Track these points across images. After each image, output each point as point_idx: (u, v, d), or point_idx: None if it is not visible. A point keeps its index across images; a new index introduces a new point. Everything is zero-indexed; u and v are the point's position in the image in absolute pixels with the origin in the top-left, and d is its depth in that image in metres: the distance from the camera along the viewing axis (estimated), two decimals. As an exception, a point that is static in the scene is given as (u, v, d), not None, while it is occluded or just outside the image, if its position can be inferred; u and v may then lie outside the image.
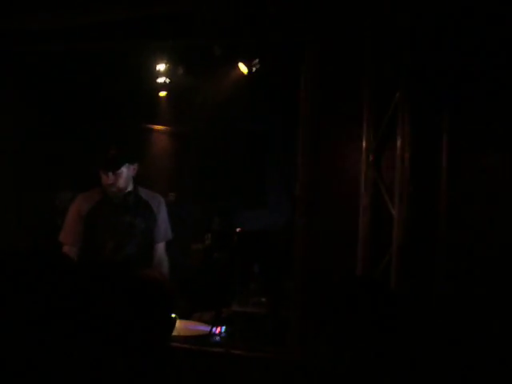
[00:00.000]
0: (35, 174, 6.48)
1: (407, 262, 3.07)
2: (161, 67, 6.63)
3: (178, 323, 3.52)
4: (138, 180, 4.21)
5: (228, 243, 6.04)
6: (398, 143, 3.08)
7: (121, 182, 4.01)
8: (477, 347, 2.99)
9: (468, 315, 3.05)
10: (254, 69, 5.91)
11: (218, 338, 3.56)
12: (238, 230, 6.03)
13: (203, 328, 3.62)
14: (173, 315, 2.42)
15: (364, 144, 3.25)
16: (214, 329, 3.56)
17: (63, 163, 6.63)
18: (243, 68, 5.94)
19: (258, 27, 3.55)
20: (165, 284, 2.42)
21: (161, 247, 4.21)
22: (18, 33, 3.85)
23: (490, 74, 3.08)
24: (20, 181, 6.51)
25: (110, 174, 3.97)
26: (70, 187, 5.91)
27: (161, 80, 6.86)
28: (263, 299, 4.89)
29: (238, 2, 3.45)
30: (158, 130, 8.01)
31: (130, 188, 4.11)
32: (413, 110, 3.09)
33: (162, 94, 7.30)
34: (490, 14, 3.04)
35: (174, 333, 3.35)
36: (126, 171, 4.03)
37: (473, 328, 3.04)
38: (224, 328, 3.66)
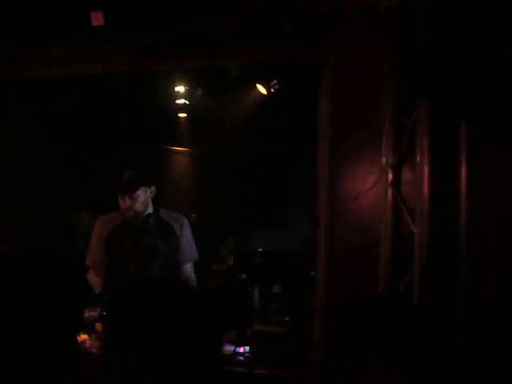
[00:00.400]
0: (56, 195, 6.58)
1: (429, 278, 3.06)
2: (180, 89, 6.70)
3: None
4: (159, 201, 4.22)
5: (251, 264, 6.05)
6: (418, 160, 3.08)
7: (138, 206, 4.00)
8: (504, 362, 2.96)
9: (493, 331, 3.03)
10: (272, 89, 5.95)
11: (241, 357, 3.57)
12: (260, 250, 6.04)
13: (227, 348, 3.63)
14: None
15: (384, 162, 3.26)
16: (237, 349, 3.57)
17: (82, 184, 6.71)
18: (262, 89, 5.98)
19: (272, 47, 3.59)
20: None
21: (187, 268, 4.14)
22: (39, 59, 3.92)
23: (508, 86, 3.08)
24: (41, 202, 6.61)
25: (127, 197, 3.98)
26: (88, 208, 5.97)
27: (180, 102, 6.93)
28: (286, 318, 4.89)
29: (254, 23, 3.49)
30: (177, 152, 8.08)
31: (149, 210, 4.09)
32: (431, 126, 3.09)
33: (182, 115, 7.37)
34: (504, 27, 3.05)
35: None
36: (143, 194, 4.02)
37: (499, 343, 3.01)
38: (248, 348, 3.66)
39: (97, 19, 3.29)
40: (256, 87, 6.04)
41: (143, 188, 3.98)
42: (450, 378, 2.73)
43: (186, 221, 4.18)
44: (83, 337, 3.49)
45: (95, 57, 3.80)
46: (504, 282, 3.05)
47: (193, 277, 4.17)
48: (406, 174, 3.26)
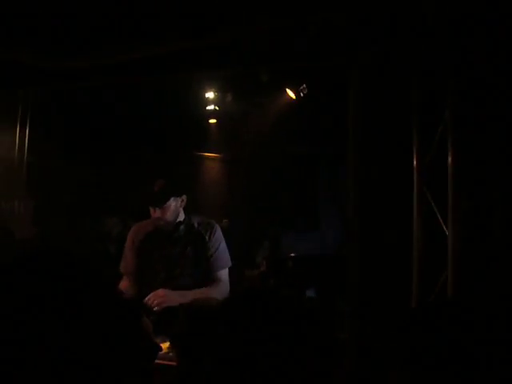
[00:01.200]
0: (87, 202, 6.65)
1: (464, 281, 3.01)
2: (210, 95, 6.73)
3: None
4: (191, 208, 4.22)
5: (283, 269, 6.03)
6: (449, 161, 3.04)
7: (168, 216, 3.99)
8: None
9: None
10: (301, 94, 5.95)
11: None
12: (292, 254, 6.02)
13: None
14: None
15: (415, 164, 3.23)
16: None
17: (113, 191, 6.77)
18: (291, 93, 5.98)
19: (299, 51, 3.58)
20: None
21: (221, 275, 4.05)
22: (69, 70, 3.97)
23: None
24: (73, 209, 6.69)
25: (167, 208, 4.00)
26: (118, 214, 6.02)
27: (210, 108, 6.96)
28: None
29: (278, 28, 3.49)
30: (209, 158, 8.12)
31: (180, 218, 4.11)
32: (463, 127, 3.05)
33: (212, 121, 7.40)
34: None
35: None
36: (174, 204, 4.00)
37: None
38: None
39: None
40: (285, 92, 6.05)
41: (174, 198, 3.99)
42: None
43: (216, 227, 4.14)
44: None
45: (122, 65, 3.83)
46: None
47: (226, 285, 4.11)
48: (438, 176, 3.21)
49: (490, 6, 3.03)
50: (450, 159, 3.06)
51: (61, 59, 3.79)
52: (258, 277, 6.48)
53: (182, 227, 4.07)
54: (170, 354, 3.37)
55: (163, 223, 4.00)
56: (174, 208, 4.00)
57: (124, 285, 4.15)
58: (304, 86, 5.83)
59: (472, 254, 3.03)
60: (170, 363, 3.28)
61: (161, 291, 3.77)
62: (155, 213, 3.97)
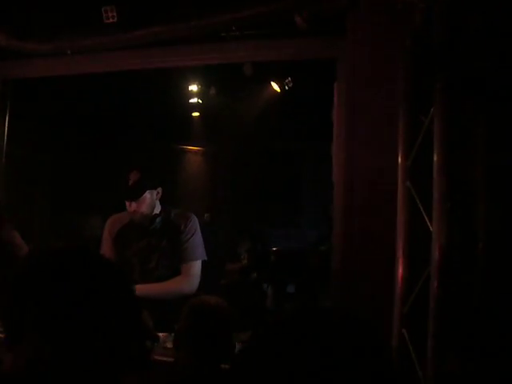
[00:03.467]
0: (68, 199, 6.58)
1: (446, 280, 2.99)
2: (193, 88, 6.69)
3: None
4: (171, 201, 4.17)
5: (265, 263, 6.01)
6: (435, 158, 3.02)
7: (144, 209, 3.94)
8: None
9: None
10: (286, 87, 5.92)
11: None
12: (274, 249, 6.00)
13: (240, 348, 3.58)
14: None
15: (400, 161, 3.21)
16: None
17: (94, 188, 6.69)
18: (275, 86, 5.95)
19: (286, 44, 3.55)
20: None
21: (192, 267, 3.98)
22: (51, 57, 3.90)
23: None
24: (55, 206, 6.62)
25: (142, 201, 3.91)
26: (100, 212, 5.95)
27: (193, 100, 6.92)
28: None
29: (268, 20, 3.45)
30: (191, 151, 8.07)
31: (156, 211, 4.05)
32: (448, 124, 3.03)
33: (195, 114, 7.36)
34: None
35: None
36: (150, 196, 3.95)
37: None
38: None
39: (109, 16, 3.25)
40: (270, 85, 6.02)
41: (149, 191, 3.94)
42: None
43: (193, 219, 4.07)
44: None
45: (106, 54, 3.78)
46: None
47: (195, 278, 4.02)
48: (423, 173, 3.20)
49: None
50: (435, 155, 3.04)
51: (44, 44, 3.73)
52: (240, 270, 6.46)
53: (158, 219, 4.03)
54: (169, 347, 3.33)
55: (139, 216, 3.95)
56: (150, 201, 3.96)
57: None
58: (289, 79, 5.80)
59: (456, 250, 3.02)
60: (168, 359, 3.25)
61: None
62: (131, 206, 3.92)
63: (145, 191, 3.91)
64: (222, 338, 2.56)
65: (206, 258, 4.08)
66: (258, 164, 7.93)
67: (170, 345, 3.25)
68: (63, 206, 6.67)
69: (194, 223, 4.07)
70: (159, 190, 4.02)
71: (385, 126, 3.38)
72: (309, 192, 8.11)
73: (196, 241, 4.04)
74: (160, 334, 3.44)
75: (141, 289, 3.81)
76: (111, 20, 3.26)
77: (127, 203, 3.94)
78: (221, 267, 6.60)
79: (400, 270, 3.13)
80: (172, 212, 4.09)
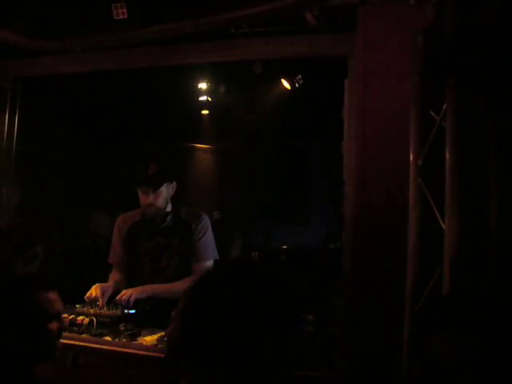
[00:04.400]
0: (77, 196, 6.58)
1: (459, 277, 2.97)
2: (202, 86, 6.67)
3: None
4: (181, 199, 4.16)
5: (275, 261, 5.98)
6: (447, 155, 2.99)
7: (160, 202, 3.92)
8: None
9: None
10: (297, 84, 5.90)
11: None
12: (284, 247, 5.97)
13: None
14: None
15: (411, 157, 3.18)
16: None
17: (103, 186, 6.70)
18: (286, 84, 5.93)
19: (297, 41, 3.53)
20: None
21: (202, 267, 3.93)
22: (61, 55, 3.90)
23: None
24: (63, 201, 6.62)
25: (150, 193, 3.92)
26: (109, 210, 5.94)
27: (203, 98, 6.89)
28: (310, 317, 4.82)
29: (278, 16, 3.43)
30: (200, 149, 8.06)
31: (168, 208, 4.04)
32: (460, 120, 3.00)
33: (204, 112, 7.34)
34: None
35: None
36: (166, 190, 3.95)
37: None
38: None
39: (119, 12, 3.24)
40: (280, 82, 5.99)
41: (166, 183, 3.93)
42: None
43: (204, 218, 4.06)
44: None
45: (116, 52, 3.77)
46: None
47: None
48: (436, 170, 3.17)
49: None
50: (447, 152, 3.02)
51: (54, 42, 3.72)
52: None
53: (169, 217, 4.01)
54: (159, 346, 3.33)
55: (154, 210, 3.94)
56: (166, 194, 3.96)
57: (114, 276, 4.09)
58: (299, 76, 5.78)
59: (468, 248, 3.00)
60: (158, 355, 3.24)
61: (124, 290, 3.74)
62: (147, 198, 3.90)
63: (164, 182, 3.90)
64: None
65: (217, 258, 4.07)
66: (267, 162, 7.90)
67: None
68: (72, 203, 6.67)
69: (206, 222, 4.05)
70: (174, 184, 4.02)
71: (396, 124, 3.36)
72: (319, 190, 8.08)
73: (207, 240, 4.03)
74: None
75: (152, 288, 3.82)
76: (121, 17, 3.25)
77: (143, 196, 3.91)
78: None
79: (412, 269, 3.11)
80: (183, 210, 4.07)
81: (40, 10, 3.65)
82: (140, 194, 3.93)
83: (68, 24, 3.66)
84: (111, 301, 3.74)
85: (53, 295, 2.49)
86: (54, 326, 2.47)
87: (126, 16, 3.28)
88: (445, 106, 3.04)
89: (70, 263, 6.12)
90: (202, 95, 6.90)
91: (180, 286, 3.88)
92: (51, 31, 3.81)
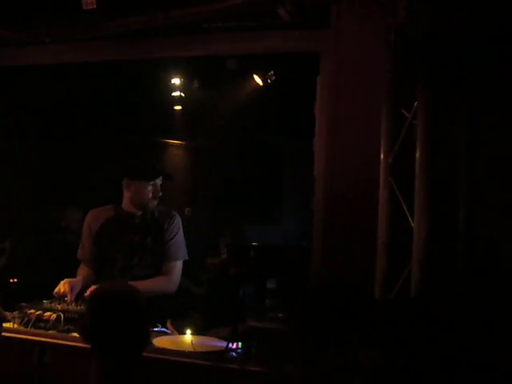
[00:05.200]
0: (48, 192, 6.49)
1: (427, 276, 2.97)
2: (175, 81, 6.62)
3: (194, 339, 3.47)
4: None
5: (245, 258, 5.97)
6: (417, 153, 3.00)
7: (159, 195, 3.98)
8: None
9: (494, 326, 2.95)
10: (269, 80, 5.88)
11: (234, 353, 3.48)
12: (254, 244, 5.96)
13: (219, 344, 3.55)
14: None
15: (382, 155, 3.18)
16: (230, 344, 3.48)
17: (74, 180, 6.62)
18: (258, 80, 5.91)
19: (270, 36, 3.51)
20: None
21: (173, 267, 4.00)
22: (28, 45, 3.83)
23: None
24: (35, 195, 6.53)
25: (153, 185, 3.93)
26: (80, 205, 5.87)
27: (175, 94, 6.85)
28: (280, 315, 4.81)
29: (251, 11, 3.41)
30: (172, 145, 8.00)
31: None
32: (431, 118, 3.01)
33: (177, 108, 7.29)
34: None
35: (190, 349, 3.32)
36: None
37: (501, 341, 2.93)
38: (240, 344, 3.58)
39: (88, 2, 3.19)
40: (252, 78, 5.97)
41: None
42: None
43: (176, 218, 4.07)
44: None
45: (86, 44, 3.71)
46: (505, 277, 2.97)
47: (177, 278, 4.02)
48: (406, 168, 3.17)
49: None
50: (417, 151, 3.02)
51: (21, 32, 3.65)
52: (220, 265, 6.42)
53: (142, 216, 4.01)
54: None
55: (154, 204, 3.97)
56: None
57: (82, 271, 4.06)
58: (272, 72, 5.77)
59: (437, 247, 3.01)
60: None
61: (93, 287, 3.71)
62: (155, 191, 3.91)
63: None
64: (129, 325, 2.46)
65: (187, 258, 4.08)
66: (240, 158, 7.88)
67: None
68: (42, 198, 6.59)
69: (178, 222, 4.07)
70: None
71: (368, 121, 3.36)
72: (290, 187, 8.08)
73: (179, 241, 4.04)
74: None
75: None
76: (90, 7, 3.20)
77: (146, 189, 3.92)
78: (201, 262, 6.56)
79: (381, 266, 3.11)
80: (156, 209, 4.05)
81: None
82: (145, 187, 3.92)
83: (36, 13, 3.59)
84: (80, 297, 3.71)
85: None
86: None
87: (94, 6, 3.23)
88: (415, 104, 3.04)
89: (39, 259, 6.05)
90: (175, 90, 6.85)
91: (151, 284, 3.86)
92: (19, 20, 3.74)
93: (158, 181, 3.97)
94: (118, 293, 2.55)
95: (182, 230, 4.07)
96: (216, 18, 3.47)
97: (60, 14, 3.55)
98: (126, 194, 4.00)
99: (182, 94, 6.88)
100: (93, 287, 3.69)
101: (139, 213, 4.00)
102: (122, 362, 2.42)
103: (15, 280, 5.45)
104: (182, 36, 3.78)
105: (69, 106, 6.36)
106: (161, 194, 3.97)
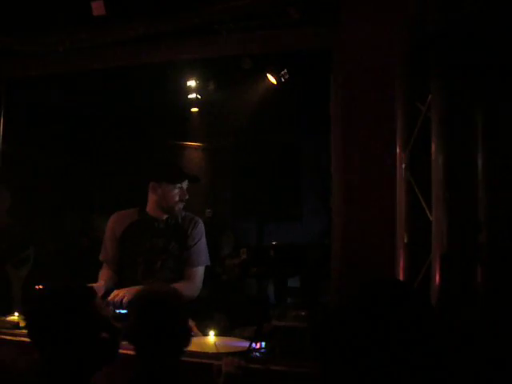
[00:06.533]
0: (71, 198, 6.55)
1: (448, 268, 2.95)
2: (191, 83, 6.63)
3: (217, 340, 3.48)
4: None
5: (264, 257, 5.97)
6: (433, 146, 2.97)
7: (186, 198, 4.01)
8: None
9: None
10: (282, 79, 5.86)
11: (257, 353, 3.47)
12: (274, 243, 5.96)
13: (243, 344, 3.54)
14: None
15: (398, 150, 3.16)
16: (253, 344, 3.48)
17: (95, 187, 6.67)
18: (272, 79, 5.90)
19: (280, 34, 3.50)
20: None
21: (196, 272, 4.01)
22: (41, 55, 3.86)
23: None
24: (57, 202, 6.59)
25: (182, 188, 3.96)
26: (103, 212, 5.92)
27: (192, 96, 6.86)
28: (303, 313, 4.80)
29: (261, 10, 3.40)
30: (191, 147, 8.03)
31: None
32: (446, 111, 2.98)
33: (194, 110, 7.31)
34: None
35: (214, 350, 3.32)
36: None
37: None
38: (264, 343, 3.58)
39: (98, 8, 3.21)
40: (266, 77, 5.96)
41: None
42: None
43: (200, 223, 4.08)
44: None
45: (99, 51, 3.74)
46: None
47: (199, 283, 4.02)
48: (423, 162, 3.15)
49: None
50: (432, 143, 2.99)
51: (32, 43, 3.68)
52: (239, 265, 6.42)
53: (167, 221, 4.03)
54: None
55: (181, 207, 4.00)
56: None
57: (104, 274, 4.07)
58: (285, 71, 5.74)
59: (456, 241, 2.97)
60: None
61: (116, 291, 3.71)
62: (183, 194, 3.97)
63: None
64: (173, 326, 2.50)
65: (209, 264, 4.09)
66: (258, 158, 7.87)
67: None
68: (65, 205, 6.64)
69: (201, 228, 4.08)
70: None
71: (383, 115, 3.34)
72: (309, 185, 8.05)
73: (201, 246, 4.06)
74: None
75: None
76: (100, 13, 3.21)
77: (174, 193, 3.95)
78: (221, 262, 6.57)
79: (401, 261, 3.09)
80: (180, 213, 4.06)
81: (17, 9, 3.60)
82: (172, 190, 3.95)
83: (49, 23, 3.63)
84: (103, 300, 3.72)
85: (100, 302, 2.47)
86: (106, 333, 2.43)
87: (104, 12, 3.25)
88: (430, 96, 3.02)
89: (63, 264, 6.10)
90: (191, 93, 6.87)
91: (181, 289, 3.87)
92: (34, 31, 3.78)
93: (185, 184, 3.98)
94: (163, 294, 2.62)
95: (204, 235, 4.09)
96: (226, 17, 3.47)
97: (70, 21, 3.57)
98: (152, 198, 4.01)
99: (199, 96, 6.89)
100: (116, 291, 3.72)
101: (164, 217, 4.02)
102: (164, 362, 2.46)
103: (41, 287, 5.50)
104: (193, 38, 3.78)
105: (87, 111, 6.41)
106: (187, 197, 3.97)
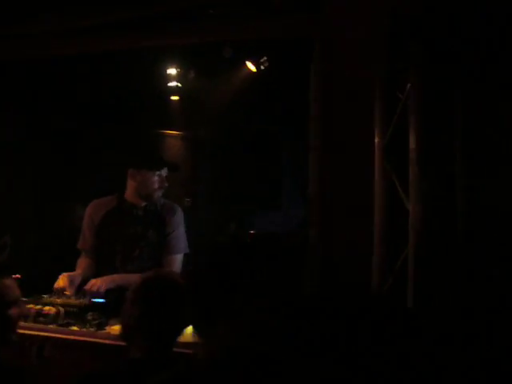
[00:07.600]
0: (52, 186, 6.49)
1: (423, 261, 2.95)
2: (172, 71, 6.58)
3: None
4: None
5: (242, 245, 5.97)
6: (411, 135, 2.98)
7: (165, 186, 4.01)
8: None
9: (493, 309, 2.93)
10: (262, 67, 5.83)
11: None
12: (251, 231, 5.95)
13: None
14: None
15: (376, 140, 3.16)
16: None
17: (76, 175, 6.62)
18: (251, 66, 5.87)
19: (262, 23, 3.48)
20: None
21: (174, 260, 3.99)
22: (22, 38, 3.81)
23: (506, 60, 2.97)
24: (35, 191, 6.53)
25: (161, 176, 3.95)
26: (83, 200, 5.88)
27: (172, 84, 6.81)
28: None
29: None
30: (170, 135, 7.97)
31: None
32: (424, 100, 2.99)
33: (174, 98, 7.26)
34: None
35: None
36: None
37: (499, 324, 2.91)
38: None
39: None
40: (245, 65, 5.92)
41: None
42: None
43: (179, 211, 4.08)
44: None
45: (79, 36, 3.69)
46: (504, 256, 2.94)
47: (177, 270, 4.00)
48: (401, 153, 3.15)
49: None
50: (411, 132, 3.00)
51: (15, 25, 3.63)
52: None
53: (146, 208, 4.01)
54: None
55: (160, 194, 3.99)
56: None
57: (82, 263, 4.05)
58: (265, 58, 5.71)
59: (434, 229, 2.99)
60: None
61: (93, 280, 3.71)
62: (163, 182, 3.96)
63: None
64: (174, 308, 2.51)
65: (188, 252, 4.07)
66: (237, 147, 7.85)
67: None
68: (43, 193, 6.58)
69: (179, 216, 4.08)
70: None
71: (362, 105, 3.33)
72: (289, 174, 8.05)
73: (180, 234, 4.05)
74: None
75: (122, 278, 3.79)
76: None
77: (153, 180, 3.93)
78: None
79: (378, 250, 3.10)
80: (159, 201, 4.04)
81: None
82: (151, 177, 3.93)
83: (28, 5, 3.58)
84: (80, 290, 3.71)
85: (9, 281, 2.47)
86: (13, 312, 2.45)
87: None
88: (409, 85, 3.02)
89: (40, 254, 6.05)
90: (172, 81, 6.82)
91: None
92: (12, 13, 3.73)
93: (164, 171, 3.96)
94: (166, 278, 2.69)
95: (183, 223, 4.08)
96: (207, 4, 3.45)
97: (50, 5, 3.52)
98: (131, 185, 3.99)
99: (179, 84, 6.84)
100: (93, 280, 3.70)
101: (143, 204, 3.99)
102: (166, 343, 2.52)
103: (17, 276, 5.45)
104: (173, 23, 3.75)
105: (67, 100, 6.35)
106: (167, 184, 3.96)
